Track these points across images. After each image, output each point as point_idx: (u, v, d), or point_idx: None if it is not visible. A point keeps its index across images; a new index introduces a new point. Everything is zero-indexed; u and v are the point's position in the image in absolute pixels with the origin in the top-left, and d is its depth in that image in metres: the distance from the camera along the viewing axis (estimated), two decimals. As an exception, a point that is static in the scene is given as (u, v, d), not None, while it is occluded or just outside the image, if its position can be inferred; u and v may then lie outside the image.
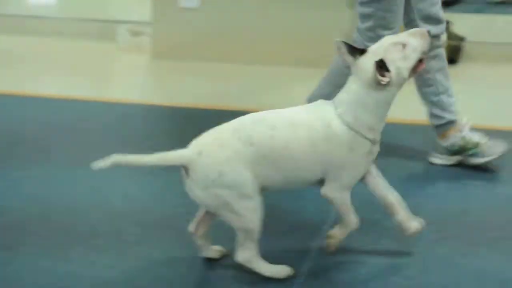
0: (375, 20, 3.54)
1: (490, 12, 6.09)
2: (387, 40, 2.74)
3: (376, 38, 3.11)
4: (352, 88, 2.73)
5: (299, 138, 2.71)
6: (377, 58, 2.66)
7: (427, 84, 3.70)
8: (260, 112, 2.79)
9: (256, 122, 2.74)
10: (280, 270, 2.78)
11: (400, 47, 2.71)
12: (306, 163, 2.72)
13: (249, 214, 2.70)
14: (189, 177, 2.70)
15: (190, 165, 2.69)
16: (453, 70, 5.14)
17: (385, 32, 3.48)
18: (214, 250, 2.89)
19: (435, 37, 3.53)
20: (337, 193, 2.78)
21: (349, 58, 2.73)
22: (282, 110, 2.80)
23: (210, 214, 2.82)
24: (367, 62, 2.70)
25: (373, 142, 2.74)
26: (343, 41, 2.72)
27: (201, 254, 2.87)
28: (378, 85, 2.68)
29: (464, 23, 5.49)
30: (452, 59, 5.24)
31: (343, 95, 2.75)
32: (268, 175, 2.71)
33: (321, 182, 2.79)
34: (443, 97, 3.68)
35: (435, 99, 3.69)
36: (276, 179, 2.73)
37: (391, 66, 2.67)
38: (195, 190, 2.70)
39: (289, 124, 2.73)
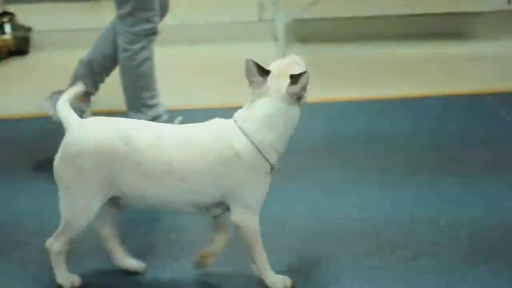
0: (134, 3, 3.47)
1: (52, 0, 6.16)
2: (285, 60, 2.68)
3: (139, 22, 3.01)
4: (263, 106, 2.60)
5: (191, 156, 2.58)
6: (287, 75, 2.59)
7: None
8: (156, 123, 2.74)
9: (144, 128, 2.64)
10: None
11: (297, 65, 2.66)
12: (200, 186, 2.59)
13: (79, 210, 2.62)
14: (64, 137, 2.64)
15: (68, 128, 2.63)
16: (24, 61, 5.16)
17: (148, 13, 3.44)
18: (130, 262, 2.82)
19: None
20: (247, 218, 2.63)
21: (258, 79, 2.61)
22: (181, 126, 2.69)
23: (112, 209, 2.72)
24: (279, 80, 2.60)
25: (272, 167, 2.63)
26: (253, 61, 2.61)
27: (115, 263, 2.80)
28: (295, 100, 2.60)
29: (28, 13, 5.49)
30: (22, 50, 5.24)
31: (248, 113, 2.62)
32: (136, 186, 2.60)
33: (209, 208, 2.66)
34: None
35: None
36: (143, 193, 2.61)
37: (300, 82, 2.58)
38: (57, 155, 2.63)
39: (180, 141, 2.60)
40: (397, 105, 4.10)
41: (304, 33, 5.52)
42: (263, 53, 5.13)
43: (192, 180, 2.59)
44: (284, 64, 2.66)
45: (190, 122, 2.73)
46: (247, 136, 2.60)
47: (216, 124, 2.65)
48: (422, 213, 3.18)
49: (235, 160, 2.59)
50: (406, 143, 3.85)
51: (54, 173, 2.65)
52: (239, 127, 2.61)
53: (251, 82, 2.63)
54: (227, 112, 2.69)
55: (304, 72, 2.58)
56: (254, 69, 2.61)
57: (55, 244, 2.71)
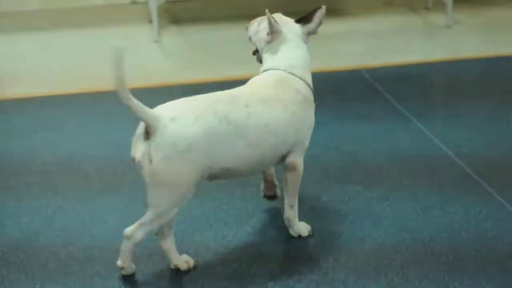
0: None
1: None
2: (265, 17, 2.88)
3: None
4: (293, 51, 2.87)
5: (277, 112, 2.71)
6: (288, 22, 2.92)
7: None
8: (228, 90, 2.73)
9: (228, 101, 2.66)
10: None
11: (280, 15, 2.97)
12: (286, 136, 2.74)
13: (177, 201, 2.60)
14: (151, 139, 2.52)
15: (159, 128, 2.51)
16: None
17: None
18: (182, 260, 2.77)
19: None
20: (301, 158, 2.83)
21: (278, 28, 2.86)
22: (245, 87, 2.79)
23: None
24: (288, 26, 2.91)
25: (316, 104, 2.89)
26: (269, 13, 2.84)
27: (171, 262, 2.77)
28: (307, 38, 2.92)
29: None
30: None
31: (290, 60, 2.85)
32: (241, 158, 2.66)
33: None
34: None
35: None
36: (245, 161, 2.68)
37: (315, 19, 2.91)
38: (154, 155, 2.52)
39: (262, 102, 2.70)
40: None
41: (178, 14, 5.47)
42: (137, 35, 5.07)
43: (283, 133, 2.75)
44: (275, 17, 2.90)
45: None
46: (301, 79, 2.85)
47: (272, 77, 2.83)
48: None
49: (304, 102, 2.82)
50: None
51: (153, 174, 2.55)
52: (292, 73, 2.84)
53: (273, 33, 2.87)
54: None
55: (319, 8, 2.88)
56: (273, 20, 2.85)
57: (137, 233, 2.63)
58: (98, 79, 4.40)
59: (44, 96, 4.19)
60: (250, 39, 2.99)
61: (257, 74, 2.87)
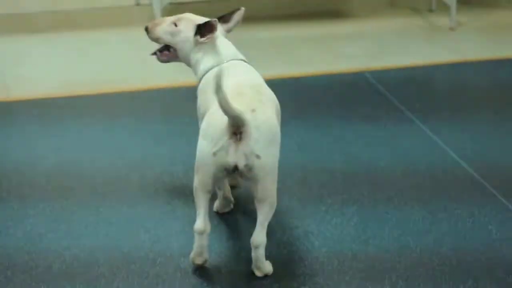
0: None
1: None
2: (183, 15, 3.05)
3: None
4: (232, 45, 3.03)
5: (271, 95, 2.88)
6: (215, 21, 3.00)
7: None
8: (244, 81, 2.81)
9: (257, 91, 2.78)
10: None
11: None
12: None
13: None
14: (247, 137, 2.58)
15: (251, 123, 2.60)
16: None
17: None
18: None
19: None
20: None
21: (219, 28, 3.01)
22: (249, 75, 2.89)
23: None
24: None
25: None
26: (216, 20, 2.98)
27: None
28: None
29: None
30: None
31: (237, 53, 3.01)
32: None
33: None
34: None
35: None
36: None
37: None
38: (258, 149, 2.60)
39: (256, 90, 2.79)
40: (279, 85, 4.11)
41: (182, 16, 5.47)
42: (141, 37, 5.06)
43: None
44: (190, 17, 3.03)
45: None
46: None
47: (244, 66, 2.95)
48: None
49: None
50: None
51: (265, 167, 2.63)
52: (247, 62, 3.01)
53: (214, 32, 2.97)
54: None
55: (238, 9, 3.04)
56: (216, 23, 2.96)
57: (263, 236, 2.71)
58: (103, 80, 4.40)
59: (50, 98, 4.19)
60: (158, 39, 3.05)
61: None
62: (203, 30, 2.99)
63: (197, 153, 2.67)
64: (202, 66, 2.97)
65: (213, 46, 2.97)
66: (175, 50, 3.05)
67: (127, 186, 3.31)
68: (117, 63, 4.73)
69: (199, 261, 2.75)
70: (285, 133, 3.70)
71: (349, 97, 4.20)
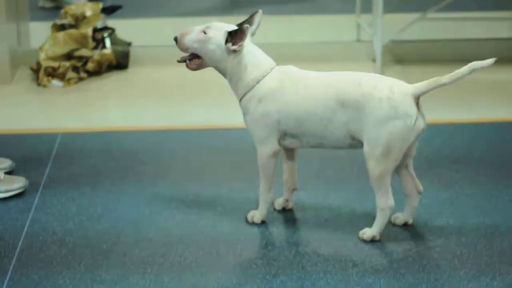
0: None
1: (152, 16, 6.28)
2: (213, 24, 3.12)
3: None
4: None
5: None
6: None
7: None
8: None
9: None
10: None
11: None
12: None
13: None
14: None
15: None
16: (124, 75, 5.27)
17: None
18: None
19: None
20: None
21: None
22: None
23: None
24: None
25: None
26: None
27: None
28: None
29: (128, 28, 5.60)
30: (122, 65, 5.34)
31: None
32: None
33: None
34: None
35: None
36: None
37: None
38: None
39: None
40: (499, 128, 4.07)
41: (402, 54, 5.50)
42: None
43: None
44: (217, 25, 3.09)
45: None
46: None
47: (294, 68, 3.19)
48: None
49: None
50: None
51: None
52: None
53: (245, 39, 3.05)
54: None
55: (256, 12, 3.11)
56: (247, 30, 3.04)
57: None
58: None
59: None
60: (187, 49, 3.09)
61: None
62: (234, 37, 3.02)
63: (394, 135, 2.96)
64: (251, 75, 3.07)
65: (249, 52, 3.08)
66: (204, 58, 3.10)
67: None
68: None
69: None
70: (500, 178, 3.66)
71: None
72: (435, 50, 5.54)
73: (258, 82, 3.07)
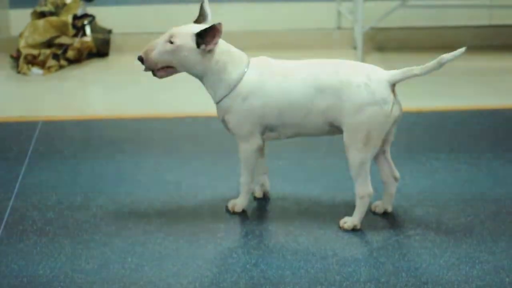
0: None
1: (132, 3, 6.26)
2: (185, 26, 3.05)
3: None
4: None
5: None
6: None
7: None
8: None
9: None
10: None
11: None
12: None
13: None
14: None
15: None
16: (104, 63, 5.25)
17: None
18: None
19: None
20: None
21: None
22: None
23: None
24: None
25: None
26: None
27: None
28: None
29: (108, 15, 5.58)
30: (102, 52, 5.32)
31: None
32: None
33: None
34: None
35: None
36: None
37: None
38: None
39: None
40: (474, 116, 4.09)
41: (382, 41, 5.51)
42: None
43: None
44: (180, 30, 3.00)
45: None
46: None
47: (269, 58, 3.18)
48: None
49: None
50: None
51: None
52: None
53: (219, 36, 2.98)
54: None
55: (202, 2, 3.06)
56: (220, 29, 2.97)
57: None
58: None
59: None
60: (156, 65, 2.99)
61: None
62: (204, 37, 2.96)
63: (373, 121, 2.97)
64: (232, 74, 3.03)
65: (224, 51, 3.03)
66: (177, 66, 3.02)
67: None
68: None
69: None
70: (479, 166, 3.68)
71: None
72: (415, 37, 5.56)
73: (240, 80, 3.04)
